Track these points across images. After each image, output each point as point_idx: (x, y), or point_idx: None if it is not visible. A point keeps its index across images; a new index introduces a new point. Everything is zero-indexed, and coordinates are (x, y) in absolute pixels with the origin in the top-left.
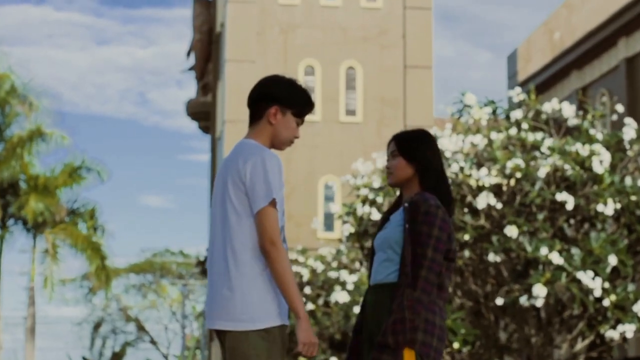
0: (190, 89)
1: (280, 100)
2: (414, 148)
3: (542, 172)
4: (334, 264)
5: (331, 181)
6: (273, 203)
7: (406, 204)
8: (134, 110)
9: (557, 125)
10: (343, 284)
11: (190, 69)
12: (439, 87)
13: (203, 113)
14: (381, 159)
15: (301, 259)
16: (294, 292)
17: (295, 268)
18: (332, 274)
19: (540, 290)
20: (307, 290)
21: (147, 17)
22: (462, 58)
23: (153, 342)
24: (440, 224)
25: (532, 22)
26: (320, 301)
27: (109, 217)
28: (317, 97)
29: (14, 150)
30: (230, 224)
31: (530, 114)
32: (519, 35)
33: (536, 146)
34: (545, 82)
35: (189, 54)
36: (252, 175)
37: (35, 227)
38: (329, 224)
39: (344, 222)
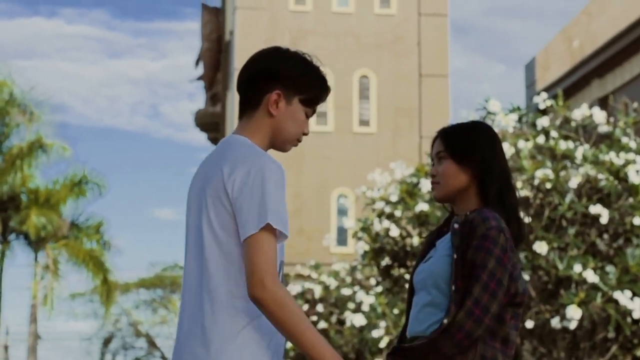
0: (201, 101)
1: (284, 81)
2: (469, 146)
3: (574, 183)
4: (348, 280)
5: (344, 194)
6: (269, 229)
7: (455, 225)
8: (146, 123)
9: (586, 133)
10: (359, 305)
11: (199, 78)
12: (452, 99)
13: (212, 124)
14: (399, 169)
15: (314, 275)
16: (316, 343)
17: (307, 285)
18: (346, 291)
19: (574, 312)
20: (320, 308)
21: (159, 29)
22: (474, 70)
23: (164, 358)
24: (499, 256)
25: (544, 34)
26: (333, 319)
27: (119, 230)
28: (329, 107)
29: (13, 162)
30: (206, 256)
31: (558, 121)
32: (531, 47)
33: (567, 155)
34: (565, 91)
35: (197, 63)
36: (243, 189)
37: (37, 242)
38: (342, 239)
39: (359, 239)
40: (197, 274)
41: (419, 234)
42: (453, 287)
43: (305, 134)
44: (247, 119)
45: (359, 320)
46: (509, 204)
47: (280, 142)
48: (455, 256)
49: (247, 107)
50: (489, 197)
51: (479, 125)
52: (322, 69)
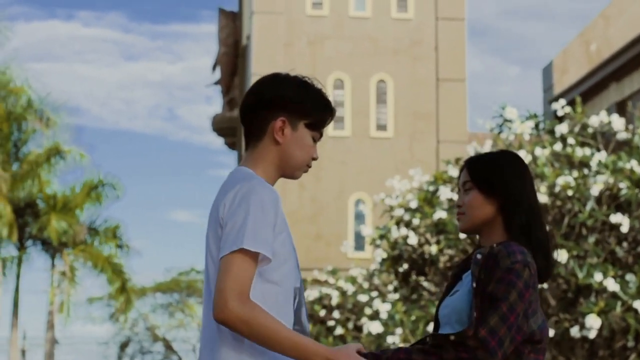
0: (218, 105)
1: (288, 107)
2: (495, 176)
3: (595, 191)
4: (365, 285)
5: (362, 199)
6: (244, 252)
7: (478, 255)
8: (163, 125)
9: (605, 139)
10: (376, 313)
11: (216, 83)
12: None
13: (229, 129)
14: (418, 177)
15: (331, 280)
16: (297, 345)
17: (324, 290)
18: (363, 298)
19: (594, 321)
20: (336, 314)
21: (176, 32)
22: (491, 73)
23: None
24: (522, 290)
25: (560, 36)
26: (350, 325)
27: (136, 233)
28: (346, 112)
29: (31, 169)
30: (210, 284)
31: (576, 128)
32: (547, 49)
33: (585, 162)
34: (582, 94)
35: (214, 67)
36: (228, 212)
37: (54, 248)
38: (359, 244)
39: (376, 247)
40: (207, 298)
41: (437, 242)
42: (471, 317)
43: (315, 159)
44: (252, 149)
45: (375, 327)
46: (536, 237)
47: (290, 170)
48: (474, 285)
49: (252, 137)
50: (515, 229)
51: (506, 155)
52: (323, 90)
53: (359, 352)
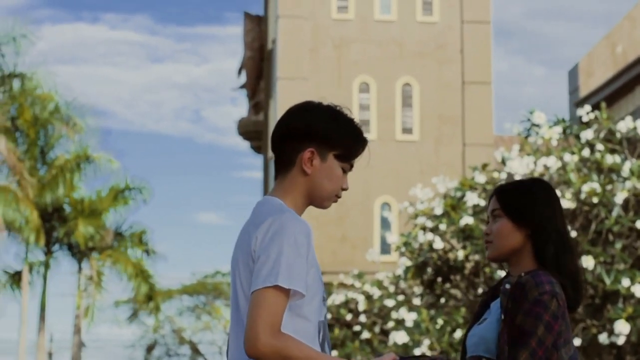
0: (244, 106)
1: (317, 138)
2: (524, 205)
3: (620, 197)
4: (391, 289)
5: (387, 202)
6: (277, 287)
7: (507, 285)
8: (189, 127)
9: (631, 145)
10: (401, 322)
11: (242, 87)
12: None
13: (255, 132)
14: (441, 184)
15: (357, 284)
16: None
17: (350, 294)
18: (389, 302)
19: (622, 327)
20: (363, 318)
21: (201, 34)
22: (516, 73)
23: None
24: (549, 322)
25: (586, 36)
26: (377, 329)
27: (162, 235)
28: (372, 115)
29: (58, 174)
30: (242, 317)
31: (602, 134)
32: (573, 49)
33: (613, 169)
34: (608, 97)
35: (240, 71)
36: (261, 246)
37: (81, 253)
38: (385, 247)
39: (401, 254)
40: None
41: (463, 248)
42: (499, 351)
43: (345, 189)
44: (282, 178)
45: (401, 337)
46: (566, 267)
47: (318, 200)
48: (503, 317)
49: (282, 166)
50: (544, 258)
51: (536, 183)
52: (355, 121)
53: None
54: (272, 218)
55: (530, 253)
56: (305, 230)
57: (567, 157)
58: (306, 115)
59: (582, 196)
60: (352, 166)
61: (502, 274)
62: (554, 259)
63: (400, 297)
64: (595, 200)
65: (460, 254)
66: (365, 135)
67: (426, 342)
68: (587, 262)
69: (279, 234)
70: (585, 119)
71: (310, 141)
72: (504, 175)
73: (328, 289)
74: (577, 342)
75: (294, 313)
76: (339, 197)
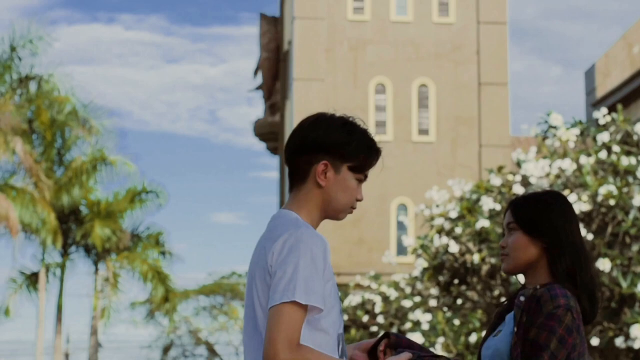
0: (260, 107)
1: (330, 151)
2: (540, 218)
3: (638, 200)
4: (408, 290)
5: (404, 204)
6: (295, 303)
7: (522, 298)
8: (205, 128)
9: None
10: (418, 324)
11: (258, 88)
12: (511, 103)
13: (271, 134)
14: (458, 187)
15: (374, 285)
16: None
17: (368, 296)
18: (407, 303)
19: (639, 331)
20: (380, 319)
21: (217, 35)
22: (532, 73)
23: None
24: (563, 336)
25: (602, 37)
26: (394, 330)
27: (178, 235)
28: (388, 116)
29: (75, 176)
30: (261, 326)
31: (619, 136)
32: (590, 49)
33: (630, 171)
34: (625, 98)
35: (256, 73)
36: (277, 261)
37: (98, 255)
38: (402, 248)
39: (418, 257)
40: (249, 335)
41: (479, 251)
42: None
43: (359, 200)
44: (296, 191)
45: (417, 339)
46: (582, 280)
47: (333, 212)
48: (516, 329)
49: (296, 179)
50: (560, 272)
51: (552, 196)
52: (369, 131)
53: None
54: (288, 233)
55: (546, 266)
56: (322, 244)
57: (584, 159)
58: (319, 128)
59: (599, 199)
60: (366, 177)
61: (520, 277)
62: (569, 272)
63: (417, 299)
64: (612, 202)
65: (476, 257)
66: (382, 137)
67: (440, 340)
68: (604, 265)
69: (295, 249)
70: (602, 121)
71: (324, 154)
72: (519, 178)
73: (345, 290)
74: (594, 342)
75: (313, 327)
76: (354, 209)
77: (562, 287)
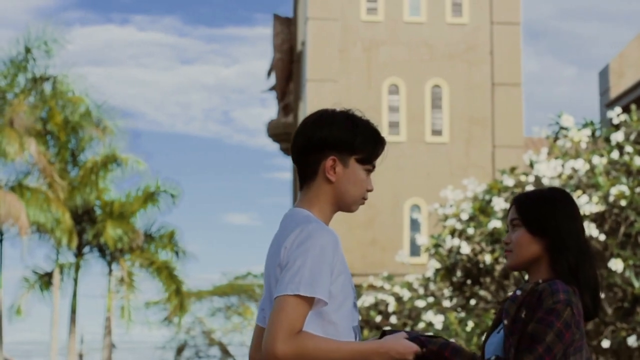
0: (273, 108)
1: (336, 146)
2: (543, 215)
3: None
4: (421, 291)
5: (417, 204)
6: (299, 295)
7: (518, 292)
8: (218, 129)
9: None
10: (430, 324)
11: (271, 89)
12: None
13: (284, 134)
14: (472, 186)
15: (387, 286)
16: (356, 354)
17: (381, 296)
18: (420, 303)
19: None
20: (393, 319)
21: (230, 35)
22: (547, 73)
23: None
24: (560, 330)
25: (617, 37)
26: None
27: (192, 236)
28: (402, 117)
29: (88, 176)
30: None
31: (632, 136)
32: (603, 49)
33: None
34: (638, 98)
35: (269, 73)
36: (287, 255)
37: (111, 255)
38: (415, 249)
39: (430, 256)
40: None
41: (492, 251)
42: (504, 354)
43: (370, 191)
44: (307, 189)
45: None
46: (584, 277)
47: (346, 205)
48: (506, 322)
49: (305, 177)
50: (562, 269)
51: (555, 193)
52: (371, 122)
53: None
54: (299, 228)
55: (548, 263)
56: (332, 239)
57: (596, 159)
58: (323, 124)
59: (611, 199)
60: (374, 167)
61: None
62: (572, 269)
63: (430, 299)
64: (624, 203)
65: (489, 258)
66: (395, 137)
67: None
68: (616, 265)
69: (305, 242)
70: (615, 121)
71: (331, 149)
72: (531, 179)
73: (358, 291)
74: (606, 344)
75: (325, 320)
76: (366, 199)
77: (563, 283)
